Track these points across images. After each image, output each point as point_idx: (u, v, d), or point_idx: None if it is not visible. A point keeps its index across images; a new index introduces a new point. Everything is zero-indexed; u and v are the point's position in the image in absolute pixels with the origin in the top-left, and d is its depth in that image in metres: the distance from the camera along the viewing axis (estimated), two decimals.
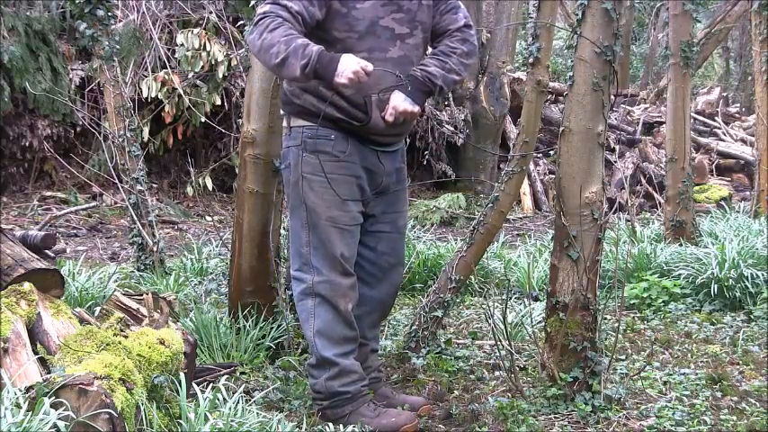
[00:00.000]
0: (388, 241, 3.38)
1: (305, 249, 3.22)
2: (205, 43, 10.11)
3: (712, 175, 11.96)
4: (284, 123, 3.31)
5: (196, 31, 10.15)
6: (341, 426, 3.10)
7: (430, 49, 3.38)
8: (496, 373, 3.90)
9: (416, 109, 3.16)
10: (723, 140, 12.94)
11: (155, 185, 10.49)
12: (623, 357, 4.14)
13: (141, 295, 3.38)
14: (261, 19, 3.02)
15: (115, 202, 9.74)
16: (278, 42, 2.95)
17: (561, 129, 3.40)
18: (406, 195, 3.47)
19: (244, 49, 4.37)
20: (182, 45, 10.07)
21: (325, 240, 3.18)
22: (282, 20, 2.99)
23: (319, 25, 3.10)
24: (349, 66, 2.94)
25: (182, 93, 9.70)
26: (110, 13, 5.73)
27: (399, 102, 3.13)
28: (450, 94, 11.38)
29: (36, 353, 2.66)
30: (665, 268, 5.64)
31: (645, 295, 5.32)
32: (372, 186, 3.29)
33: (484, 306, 5.25)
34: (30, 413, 2.21)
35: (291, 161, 3.22)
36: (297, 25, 3.02)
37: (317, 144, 3.17)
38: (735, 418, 3.30)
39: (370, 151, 3.24)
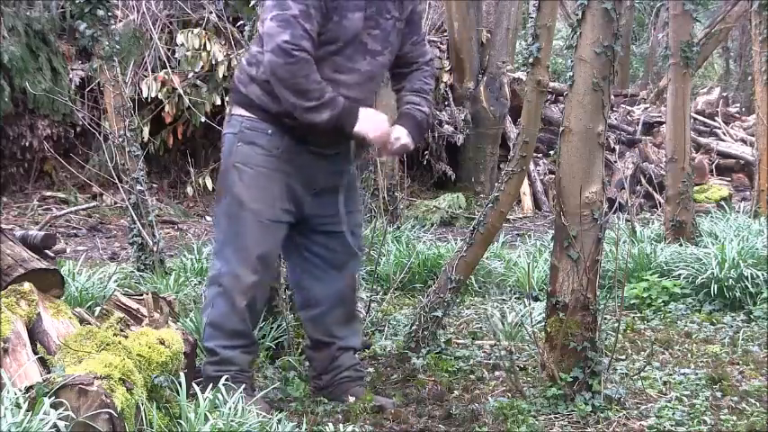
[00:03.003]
0: (339, 239, 3.42)
1: (222, 237, 3.28)
2: (205, 43, 10.10)
3: (712, 175, 11.94)
4: (227, 109, 3.34)
5: (196, 31, 10.14)
6: (341, 426, 3.10)
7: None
8: (496, 373, 3.89)
9: (413, 146, 3.35)
10: (723, 140, 12.93)
11: (155, 185, 10.48)
12: (623, 357, 4.14)
13: (141, 295, 3.38)
14: (287, 48, 3.03)
15: (115, 202, 9.72)
16: (313, 90, 3.06)
17: (561, 129, 3.40)
18: (356, 195, 3.52)
19: (243, 49, 4.36)
20: (182, 45, 10.05)
21: (243, 232, 3.22)
22: (307, 54, 3.05)
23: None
24: (372, 122, 3.17)
25: (182, 93, 9.69)
26: (110, 13, 5.72)
27: (403, 136, 3.29)
28: (449, 94, 11.39)
29: (36, 353, 2.66)
30: (665, 268, 5.64)
31: (645, 295, 5.31)
32: (308, 186, 3.31)
33: (484, 306, 5.25)
34: (30, 413, 2.20)
35: (225, 147, 3.28)
36: (314, 47, 3.09)
37: (253, 136, 3.23)
38: (735, 418, 3.30)
39: (307, 151, 3.28)
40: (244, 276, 3.24)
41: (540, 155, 11.87)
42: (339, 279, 3.45)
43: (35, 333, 2.75)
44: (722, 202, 9.81)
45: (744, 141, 12.88)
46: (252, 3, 4.02)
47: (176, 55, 10.09)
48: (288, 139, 3.24)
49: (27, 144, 10.09)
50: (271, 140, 3.22)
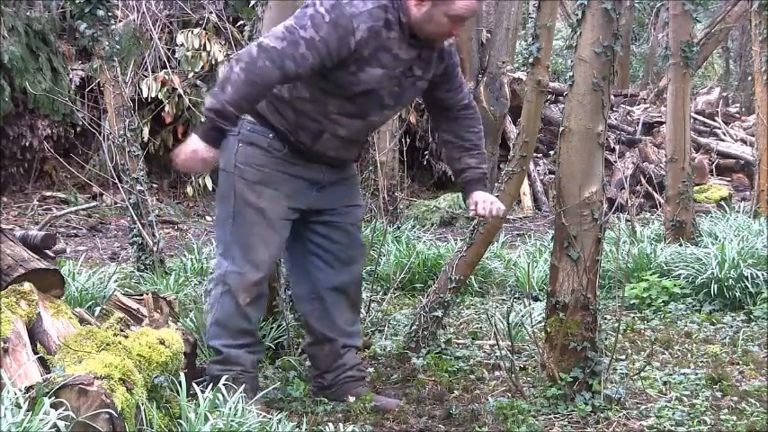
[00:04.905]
0: (343, 231, 3.42)
1: (229, 237, 3.26)
2: (205, 43, 10.11)
3: (712, 175, 11.94)
4: None
5: (196, 31, 10.14)
6: (341, 426, 3.10)
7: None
8: (496, 373, 3.90)
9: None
10: (723, 140, 12.93)
11: (155, 185, 10.48)
12: (623, 357, 4.14)
13: (141, 295, 3.39)
14: (271, 56, 2.96)
15: (115, 202, 9.73)
16: (238, 100, 2.95)
17: (561, 129, 3.40)
18: (358, 191, 3.54)
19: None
20: (182, 45, 10.06)
21: (248, 231, 3.22)
22: (279, 74, 2.97)
23: (325, 73, 3.09)
24: (191, 151, 3.01)
25: (182, 93, 9.70)
26: (110, 13, 5.73)
27: (492, 198, 3.36)
28: None
29: (36, 353, 2.66)
30: (665, 268, 5.64)
31: (645, 295, 5.31)
32: (312, 184, 3.31)
33: (484, 306, 5.26)
34: (30, 413, 2.21)
35: (226, 148, 3.23)
36: (297, 75, 3.02)
37: (254, 138, 3.22)
38: (735, 418, 3.30)
39: (307, 158, 3.28)
40: (249, 274, 3.24)
41: (540, 155, 11.87)
42: (344, 272, 3.44)
43: (35, 333, 2.76)
44: (722, 202, 9.81)
45: (744, 141, 12.88)
46: (252, 3, 4.02)
47: (176, 55, 10.10)
48: (288, 145, 3.23)
49: (27, 144, 10.09)
50: (272, 143, 3.22)
